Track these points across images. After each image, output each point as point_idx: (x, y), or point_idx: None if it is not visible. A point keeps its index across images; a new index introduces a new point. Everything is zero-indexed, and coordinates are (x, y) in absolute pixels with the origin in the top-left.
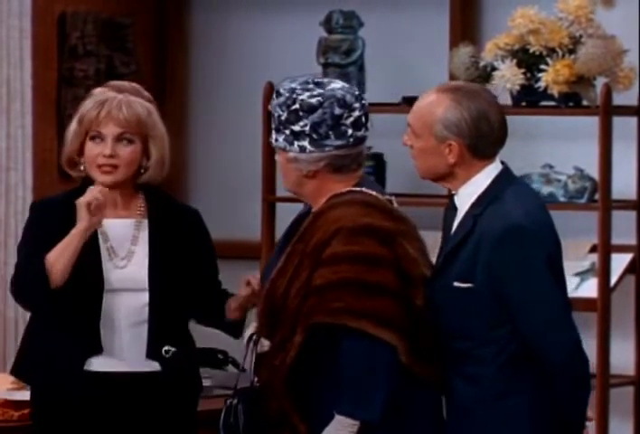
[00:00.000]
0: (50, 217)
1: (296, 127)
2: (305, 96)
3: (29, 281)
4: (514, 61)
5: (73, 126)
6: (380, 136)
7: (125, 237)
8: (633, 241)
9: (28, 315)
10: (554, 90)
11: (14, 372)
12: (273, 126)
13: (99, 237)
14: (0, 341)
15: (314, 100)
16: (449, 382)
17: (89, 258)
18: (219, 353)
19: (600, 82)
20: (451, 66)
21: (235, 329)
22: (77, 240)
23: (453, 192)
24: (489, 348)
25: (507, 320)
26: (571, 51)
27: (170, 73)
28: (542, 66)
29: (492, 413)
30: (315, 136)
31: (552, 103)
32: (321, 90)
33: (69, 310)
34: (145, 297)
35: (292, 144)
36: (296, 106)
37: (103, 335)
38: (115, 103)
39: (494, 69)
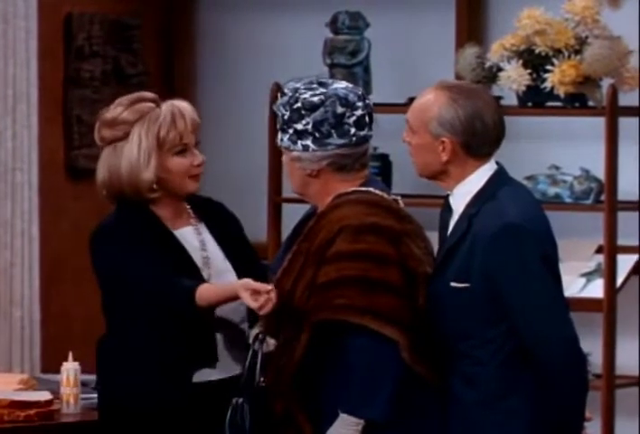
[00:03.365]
0: (136, 238)
1: (299, 126)
2: (307, 95)
3: (174, 305)
4: (520, 61)
5: (149, 150)
6: (386, 137)
7: (194, 245)
8: (638, 242)
9: (35, 315)
10: (560, 91)
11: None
12: (278, 126)
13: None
14: (6, 341)
15: (316, 99)
16: (448, 383)
17: (189, 270)
18: None
19: (606, 83)
20: (457, 67)
21: None
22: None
23: (447, 192)
24: (486, 348)
25: (503, 319)
26: (577, 52)
27: (177, 74)
28: (548, 67)
29: (490, 414)
30: (317, 134)
31: (558, 104)
32: (324, 90)
33: (184, 324)
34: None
35: (295, 143)
36: (299, 104)
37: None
38: (185, 112)
39: (499, 69)
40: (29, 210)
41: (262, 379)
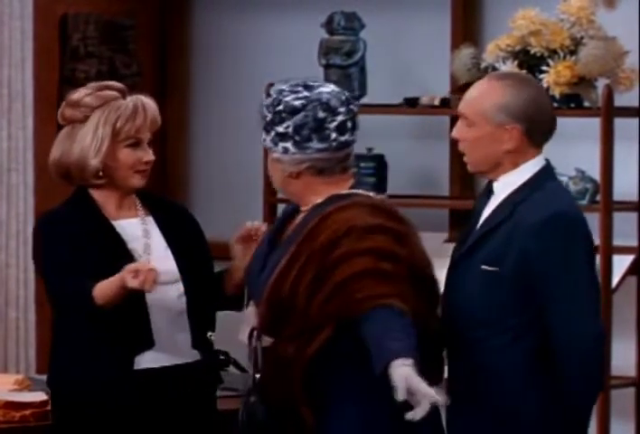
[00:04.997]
0: (67, 231)
1: (280, 129)
2: (290, 98)
3: (74, 306)
4: (516, 62)
5: (103, 137)
6: (381, 138)
7: (136, 234)
8: (634, 243)
9: (30, 315)
10: (555, 92)
11: (51, 384)
12: (262, 126)
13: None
14: (1, 341)
15: (297, 103)
16: (462, 371)
17: (123, 259)
18: (220, 354)
19: (601, 84)
20: (453, 67)
21: (238, 302)
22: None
23: (492, 179)
24: (504, 337)
25: (526, 308)
26: (572, 53)
27: (171, 74)
28: (544, 67)
29: (502, 403)
30: (297, 138)
31: (554, 104)
32: (307, 94)
33: (115, 311)
34: (178, 287)
35: (277, 145)
36: (281, 107)
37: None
38: (148, 108)
39: (495, 70)
40: (24, 211)
41: (257, 375)
